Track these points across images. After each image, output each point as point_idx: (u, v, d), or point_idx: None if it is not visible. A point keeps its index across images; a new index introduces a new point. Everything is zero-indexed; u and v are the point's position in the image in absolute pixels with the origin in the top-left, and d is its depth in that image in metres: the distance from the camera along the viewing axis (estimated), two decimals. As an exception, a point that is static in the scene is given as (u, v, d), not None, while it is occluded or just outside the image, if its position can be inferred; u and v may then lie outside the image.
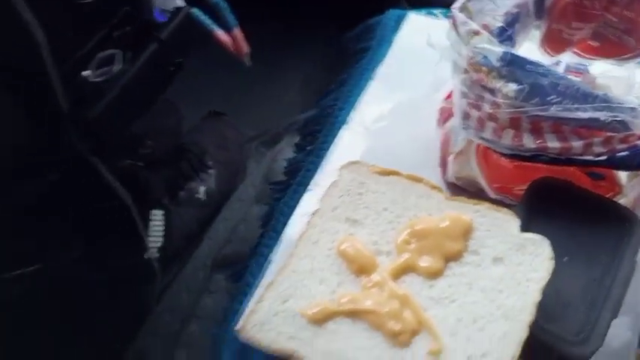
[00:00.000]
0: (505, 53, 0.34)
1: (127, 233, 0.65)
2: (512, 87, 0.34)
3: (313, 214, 0.34)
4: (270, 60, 0.85)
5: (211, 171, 0.80)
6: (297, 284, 0.31)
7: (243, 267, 0.50)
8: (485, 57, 0.34)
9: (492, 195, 0.43)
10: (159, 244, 0.74)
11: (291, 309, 0.31)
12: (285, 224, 0.47)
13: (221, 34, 0.55)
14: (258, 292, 0.45)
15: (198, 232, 0.76)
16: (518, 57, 0.34)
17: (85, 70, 0.47)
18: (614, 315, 0.34)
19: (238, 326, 0.31)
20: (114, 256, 0.68)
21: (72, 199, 0.59)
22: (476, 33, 0.35)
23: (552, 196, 0.37)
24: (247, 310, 0.31)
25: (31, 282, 0.51)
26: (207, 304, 0.68)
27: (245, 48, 0.54)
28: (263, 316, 0.30)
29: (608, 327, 0.34)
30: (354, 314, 0.30)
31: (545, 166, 0.40)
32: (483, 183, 0.43)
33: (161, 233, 0.74)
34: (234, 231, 0.70)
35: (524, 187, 0.39)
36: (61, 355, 0.62)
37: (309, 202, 0.47)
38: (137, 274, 0.71)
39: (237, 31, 0.54)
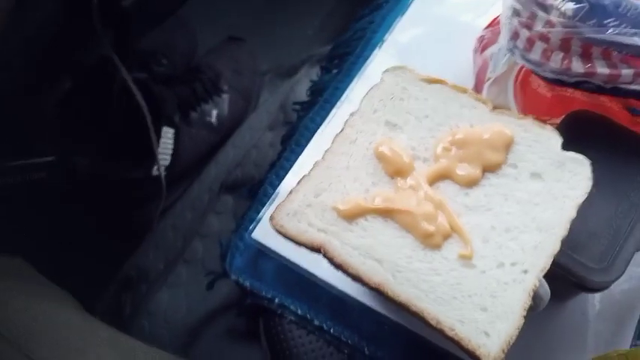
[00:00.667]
0: (568, -33, 0.32)
1: (138, 143, 0.64)
2: (571, 5, 0.33)
3: (352, 114, 0.33)
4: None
5: (225, 95, 0.79)
6: (331, 180, 0.31)
7: (259, 181, 0.49)
8: (546, -29, 0.33)
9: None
10: (167, 163, 0.73)
11: (323, 202, 0.30)
12: (308, 139, 0.46)
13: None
14: (277, 202, 0.45)
15: (207, 155, 0.75)
16: (581, -28, 0.32)
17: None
18: (637, 248, 0.35)
19: (271, 214, 0.30)
20: (124, 166, 0.67)
21: (92, 102, 0.57)
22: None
23: (587, 128, 0.37)
24: (279, 201, 0.31)
25: (46, 173, 0.51)
26: (213, 223, 0.67)
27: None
28: (295, 207, 0.30)
29: (630, 259, 0.34)
30: (386, 213, 0.30)
31: (583, 98, 0.40)
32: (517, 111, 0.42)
33: (170, 152, 0.73)
34: (246, 155, 0.69)
35: (559, 119, 0.39)
36: (60, 255, 0.62)
37: (337, 119, 0.46)
38: (144, 188, 0.71)
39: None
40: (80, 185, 0.64)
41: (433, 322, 0.28)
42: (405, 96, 0.33)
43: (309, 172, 0.31)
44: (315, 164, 0.31)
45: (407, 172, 0.31)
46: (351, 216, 0.30)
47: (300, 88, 0.71)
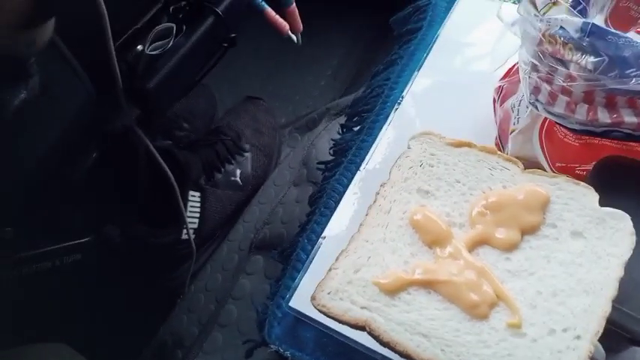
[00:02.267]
0: (585, 23, 0.33)
1: (167, 210, 0.65)
2: (591, 59, 0.33)
3: (383, 184, 0.33)
4: (303, 48, 0.85)
5: (247, 154, 0.80)
6: (369, 253, 0.31)
7: (292, 244, 0.49)
8: (562, 28, 0.33)
9: (552, 175, 0.42)
10: (195, 226, 0.74)
11: (364, 278, 0.30)
12: (337, 202, 0.47)
13: (271, 12, 0.54)
14: (312, 268, 0.44)
15: (234, 215, 0.76)
16: (599, 27, 0.33)
17: (140, 43, 0.47)
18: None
19: (312, 294, 0.30)
20: (154, 232, 0.68)
21: (119, 174, 0.59)
22: (554, 3, 0.34)
23: (620, 174, 0.37)
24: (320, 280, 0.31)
25: (81, 255, 0.52)
26: (244, 285, 0.67)
27: (300, 25, 0.54)
28: (336, 284, 0.30)
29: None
30: (428, 285, 0.30)
31: (611, 145, 0.40)
32: (544, 162, 0.41)
33: (197, 214, 0.74)
34: (272, 213, 0.70)
35: (588, 167, 0.38)
36: (97, 330, 0.62)
37: (362, 181, 0.46)
38: (175, 252, 0.71)
39: (294, 8, 0.53)
40: (113, 256, 0.65)
41: (487, 396, 0.27)
42: (434, 162, 0.33)
43: (347, 247, 0.31)
44: (352, 238, 0.31)
45: (445, 239, 0.31)
46: (393, 290, 0.30)
47: (321, 143, 0.72)
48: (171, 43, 0.48)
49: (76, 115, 0.41)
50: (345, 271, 0.30)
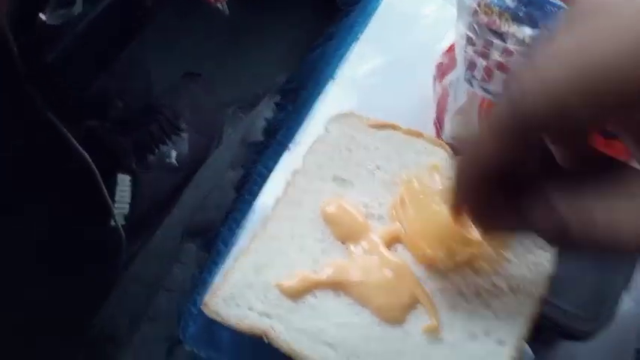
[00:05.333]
0: (521, -9, 0.29)
1: (91, 198, 0.60)
2: (528, 31, 0.29)
3: (295, 172, 0.29)
4: (250, 22, 0.79)
5: (184, 134, 0.75)
6: (274, 252, 0.27)
7: (215, 235, 0.45)
8: (497, -5, 0.30)
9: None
10: (125, 211, 0.69)
11: (265, 281, 0.26)
12: (261, 187, 0.42)
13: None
14: (228, 262, 0.41)
15: (169, 199, 0.71)
16: (536, -5, 0.29)
17: (41, 11, 0.41)
18: (626, 286, 0.31)
19: (204, 300, 0.26)
20: (77, 222, 0.63)
21: (35, 164, 0.53)
22: (488, -33, 0.30)
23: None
24: (215, 282, 0.27)
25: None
26: (177, 275, 0.63)
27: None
28: (233, 289, 0.26)
29: (619, 300, 0.31)
30: (338, 286, 0.26)
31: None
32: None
33: (128, 199, 0.69)
34: (208, 198, 0.65)
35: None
36: (21, 327, 0.58)
37: (288, 163, 0.42)
38: (102, 242, 0.66)
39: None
40: (32, 249, 0.60)
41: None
42: (354, 146, 0.29)
43: (249, 246, 0.27)
44: (255, 236, 0.27)
45: (360, 233, 0.27)
46: (298, 293, 0.26)
47: (261, 122, 0.67)
48: (75, 12, 0.42)
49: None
50: (245, 273, 0.26)
